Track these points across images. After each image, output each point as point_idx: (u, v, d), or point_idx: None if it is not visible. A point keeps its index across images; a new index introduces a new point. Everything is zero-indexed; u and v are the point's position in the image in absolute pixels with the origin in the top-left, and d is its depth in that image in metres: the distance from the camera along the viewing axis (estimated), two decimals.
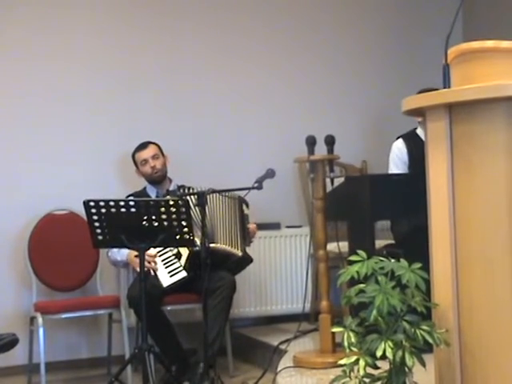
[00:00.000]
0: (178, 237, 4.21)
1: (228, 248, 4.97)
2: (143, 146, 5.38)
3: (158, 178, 5.33)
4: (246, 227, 4.97)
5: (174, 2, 5.98)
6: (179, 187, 5.26)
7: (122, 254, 5.07)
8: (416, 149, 4.95)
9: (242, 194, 4.68)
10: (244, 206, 5.01)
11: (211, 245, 4.74)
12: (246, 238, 4.99)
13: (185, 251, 4.95)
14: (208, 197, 4.54)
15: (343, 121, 6.22)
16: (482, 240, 2.90)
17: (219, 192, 4.83)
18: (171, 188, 5.31)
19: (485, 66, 2.94)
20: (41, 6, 5.65)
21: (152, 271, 4.89)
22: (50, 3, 5.67)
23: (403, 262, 3.04)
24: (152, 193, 5.35)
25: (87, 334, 5.68)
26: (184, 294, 5.05)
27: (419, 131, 5.08)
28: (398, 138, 5.18)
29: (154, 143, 5.40)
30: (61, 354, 5.56)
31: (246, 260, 5.14)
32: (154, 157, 5.33)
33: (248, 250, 5.09)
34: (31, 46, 5.63)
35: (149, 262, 4.86)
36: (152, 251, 4.90)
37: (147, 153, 5.34)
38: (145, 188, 5.39)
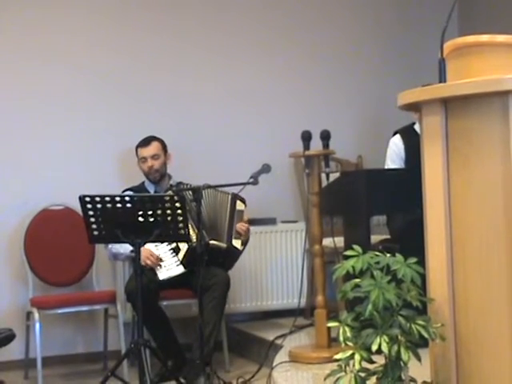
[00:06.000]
0: (172, 232, 4.21)
1: (214, 242, 4.94)
2: (146, 142, 5.32)
3: (154, 178, 5.29)
4: (232, 221, 4.94)
5: (173, 2, 5.97)
6: (177, 184, 5.24)
7: (126, 247, 4.94)
8: (413, 144, 4.91)
9: (237, 189, 4.67)
10: (239, 203, 5.00)
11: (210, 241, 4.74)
12: (233, 231, 4.96)
13: (183, 246, 4.92)
14: (204, 192, 4.53)
15: (339, 116, 6.22)
16: (477, 235, 2.90)
17: (214, 187, 4.82)
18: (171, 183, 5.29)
19: (480, 61, 2.94)
20: (39, 7, 5.65)
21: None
22: (49, 4, 5.68)
23: (399, 257, 3.04)
24: (150, 188, 5.32)
25: (83, 328, 5.69)
26: (180, 289, 5.05)
27: (417, 127, 5.06)
28: (395, 132, 5.12)
29: (158, 140, 5.33)
30: (57, 348, 5.56)
31: (234, 252, 5.06)
32: (154, 157, 5.27)
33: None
34: (30, 45, 5.62)
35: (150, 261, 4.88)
36: (152, 247, 4.90)
37: (147, 151, 5.28)
38: (143, 182, 5.36)
